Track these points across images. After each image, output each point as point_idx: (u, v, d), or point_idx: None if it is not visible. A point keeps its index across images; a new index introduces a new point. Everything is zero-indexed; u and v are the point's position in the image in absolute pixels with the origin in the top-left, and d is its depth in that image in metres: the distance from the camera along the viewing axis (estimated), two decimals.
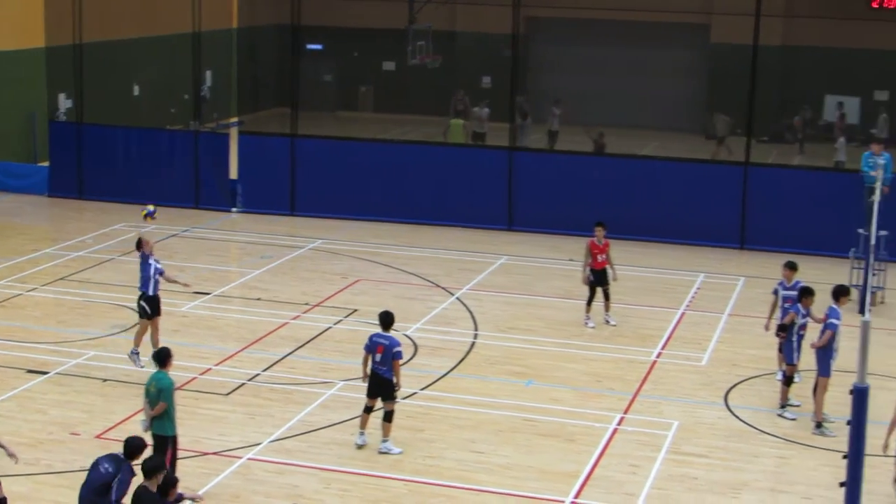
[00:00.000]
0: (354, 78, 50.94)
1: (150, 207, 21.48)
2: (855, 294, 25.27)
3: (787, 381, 19.68)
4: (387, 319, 17.82)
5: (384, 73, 50.30)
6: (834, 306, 18.99)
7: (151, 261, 20.56)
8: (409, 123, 45.45)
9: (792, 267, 21.00)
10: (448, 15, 46.04)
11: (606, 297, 24.15)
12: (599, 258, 23.87)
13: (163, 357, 16.07)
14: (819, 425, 18.93)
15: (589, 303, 24.05)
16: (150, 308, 20.52)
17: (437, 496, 16.47)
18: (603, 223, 24.09)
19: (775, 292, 20.84)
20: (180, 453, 16.27)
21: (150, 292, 20.50)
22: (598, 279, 23.96)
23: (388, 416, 17.68)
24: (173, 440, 15.83)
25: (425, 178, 32.70)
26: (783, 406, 19.66)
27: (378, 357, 17.50)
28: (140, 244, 20.74)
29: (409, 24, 42.62)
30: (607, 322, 24.22)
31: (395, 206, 32.62)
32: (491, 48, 44.04)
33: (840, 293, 19.21)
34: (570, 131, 39.14)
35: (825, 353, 18.77)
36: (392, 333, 17.72)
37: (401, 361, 17.64)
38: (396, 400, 17.80)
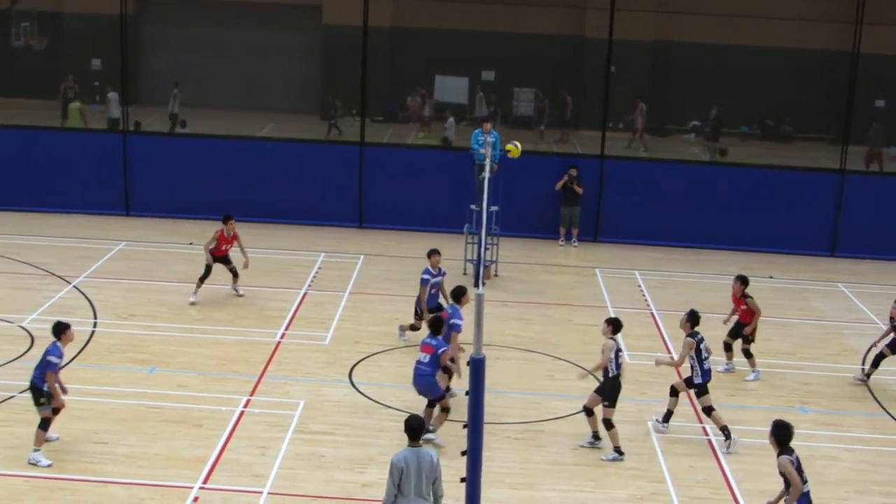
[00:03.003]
0: None
1: None
2: (471, 268, 26.24)
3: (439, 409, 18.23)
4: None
5: None
6: (455, 306, 19.33)
7: None
8: (16, 107, 43.58)
9: (437, 252, 21.44)
10: None
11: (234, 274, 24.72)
12: (224, 247, 24.22)
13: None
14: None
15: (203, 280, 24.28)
16: None
17: (59, 490, 15.99)
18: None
19: (424, 282, 20.96)
20: None
21: None
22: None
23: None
24: None
25: (36, 165, 31.58)
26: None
27: None
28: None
29: (11, 4, 40.99)
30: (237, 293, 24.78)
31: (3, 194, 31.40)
32: (99, 29, 42.77)
33: (459, 294, 19.53)
34: (191, 114, 38.48)
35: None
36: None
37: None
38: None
